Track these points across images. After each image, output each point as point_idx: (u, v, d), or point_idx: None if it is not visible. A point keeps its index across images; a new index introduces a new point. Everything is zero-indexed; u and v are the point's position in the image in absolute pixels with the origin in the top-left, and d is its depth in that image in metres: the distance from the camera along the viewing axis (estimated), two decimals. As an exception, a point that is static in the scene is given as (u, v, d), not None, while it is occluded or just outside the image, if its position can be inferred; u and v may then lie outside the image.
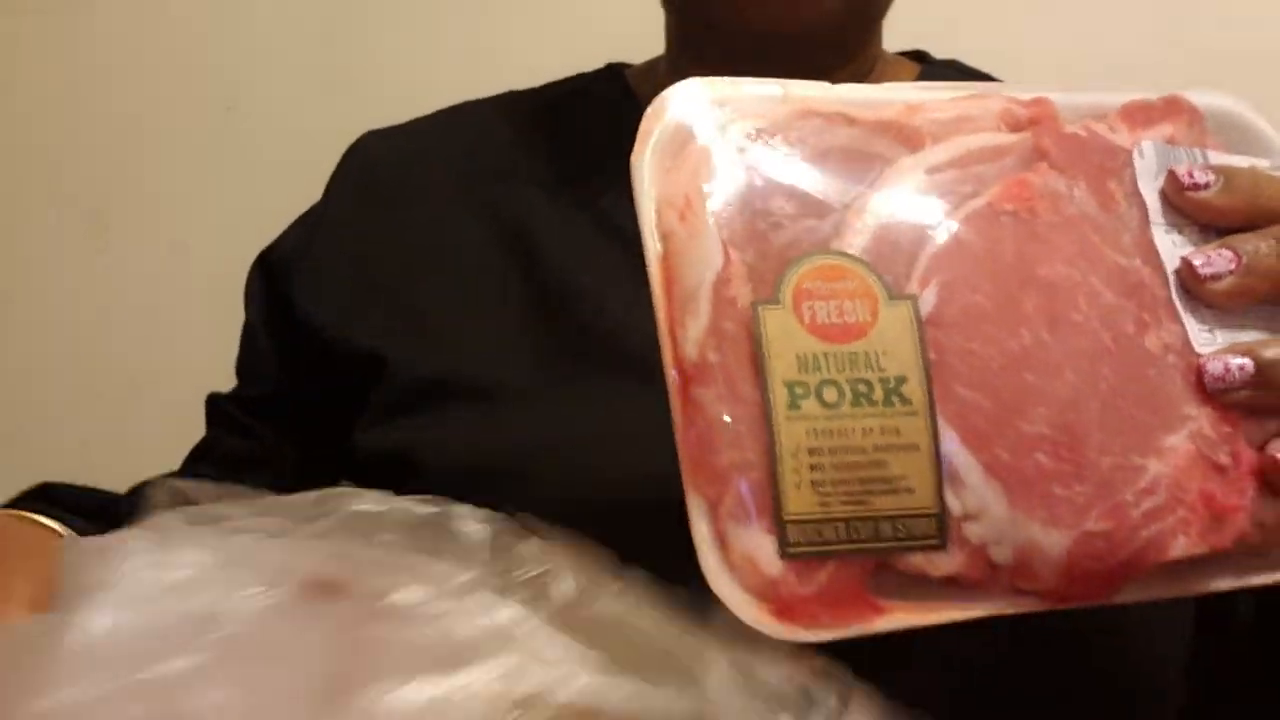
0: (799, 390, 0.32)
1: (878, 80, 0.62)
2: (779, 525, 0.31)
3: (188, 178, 0.99)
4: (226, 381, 0.62)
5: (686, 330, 0.33)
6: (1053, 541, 0.32)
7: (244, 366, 0.61)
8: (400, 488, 0.52)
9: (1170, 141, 0.39)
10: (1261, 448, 0.34)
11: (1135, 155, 0.38)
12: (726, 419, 0.32)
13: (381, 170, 0.59)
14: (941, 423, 0.32)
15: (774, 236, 0.34)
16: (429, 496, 0.35)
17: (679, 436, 0.32)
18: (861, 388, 0.32)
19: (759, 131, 0.36)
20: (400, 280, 0.56)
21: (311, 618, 0.30)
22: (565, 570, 0.32)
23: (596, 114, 0.59)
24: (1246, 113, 0.42)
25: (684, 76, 0.57)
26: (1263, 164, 0.40)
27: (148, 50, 0.99)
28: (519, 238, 0.54)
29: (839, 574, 0.32)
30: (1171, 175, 0.37)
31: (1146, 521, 0.33)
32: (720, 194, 0.34)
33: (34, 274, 1.01)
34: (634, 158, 0.35)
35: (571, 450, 0.49)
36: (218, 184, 0.98)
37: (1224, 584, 0.35)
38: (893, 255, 0.34)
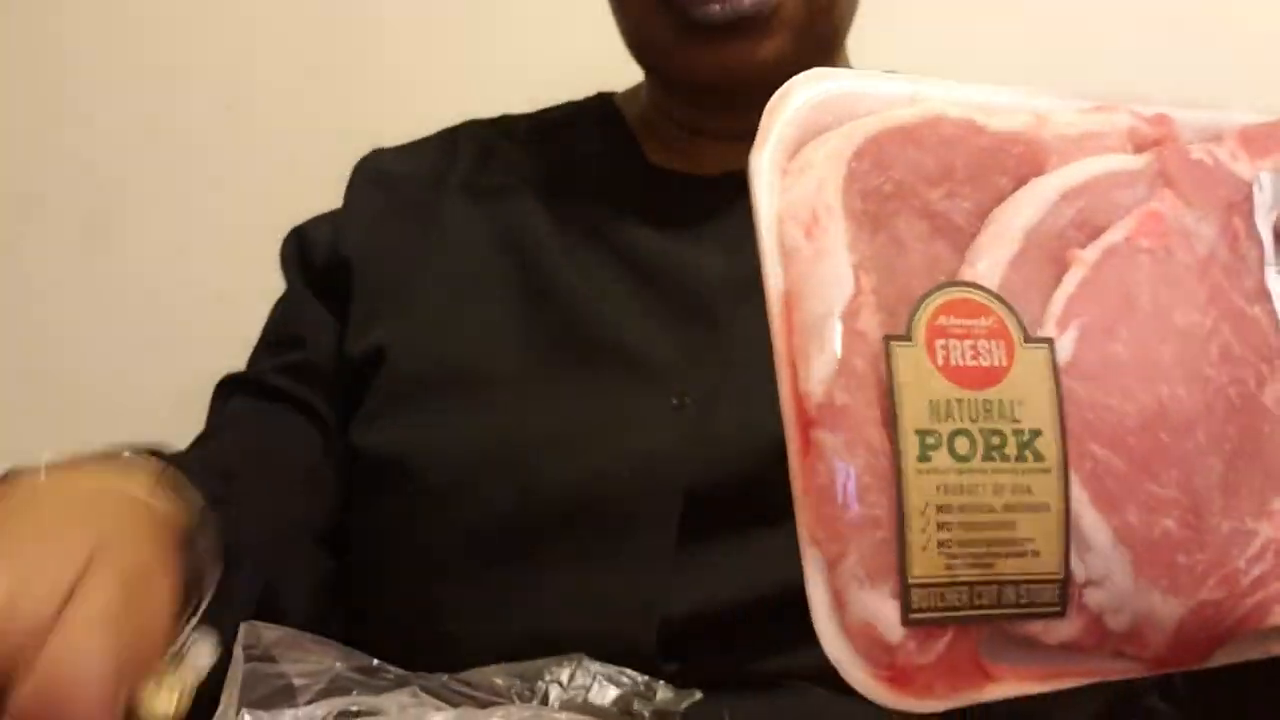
0: (930, 440, 0.29)
1: None
2: (904, 589, 0.29)
3: (187, 176, 0.97)
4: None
5: (811, 365, 0.29)
6: (1170, 611, 0.31)
7: (284, 334, 0.59)
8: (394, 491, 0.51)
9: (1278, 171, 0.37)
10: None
11: (1255, 188, 0.35)
12: (853, 469, 0.29)
13: (397, 181, 0.61)
14: (1074, 482, 0.30)
15: (901, 260, 0.31)
16: None
17: (797, 484, 0.29)
18: (995, 440, 0.30)
19: (886, 136, 0.32)
20: (409, 281, 0.57)
21: None
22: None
23: (587, 134, 0.63)
24: None
25: (661, 106, 0.61)
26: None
27: (147, 49, 0.98)
28: (520, 250, 0.57)
29: (957, 641, 0.29)
30: None
31: (1254, 589, 0.32)
32: (845, 208, 0.31)
33: (33, 273, 0.98)
34: (753, 157, 0.31)
35: (566, 439, 0.51)
36: (217, 183, 0.97)
37: None
38: (1027, 291, 0.31)
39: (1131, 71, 0.91)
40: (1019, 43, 0.94)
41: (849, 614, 0.29)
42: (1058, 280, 0.32)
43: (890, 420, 0.29)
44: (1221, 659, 0.33)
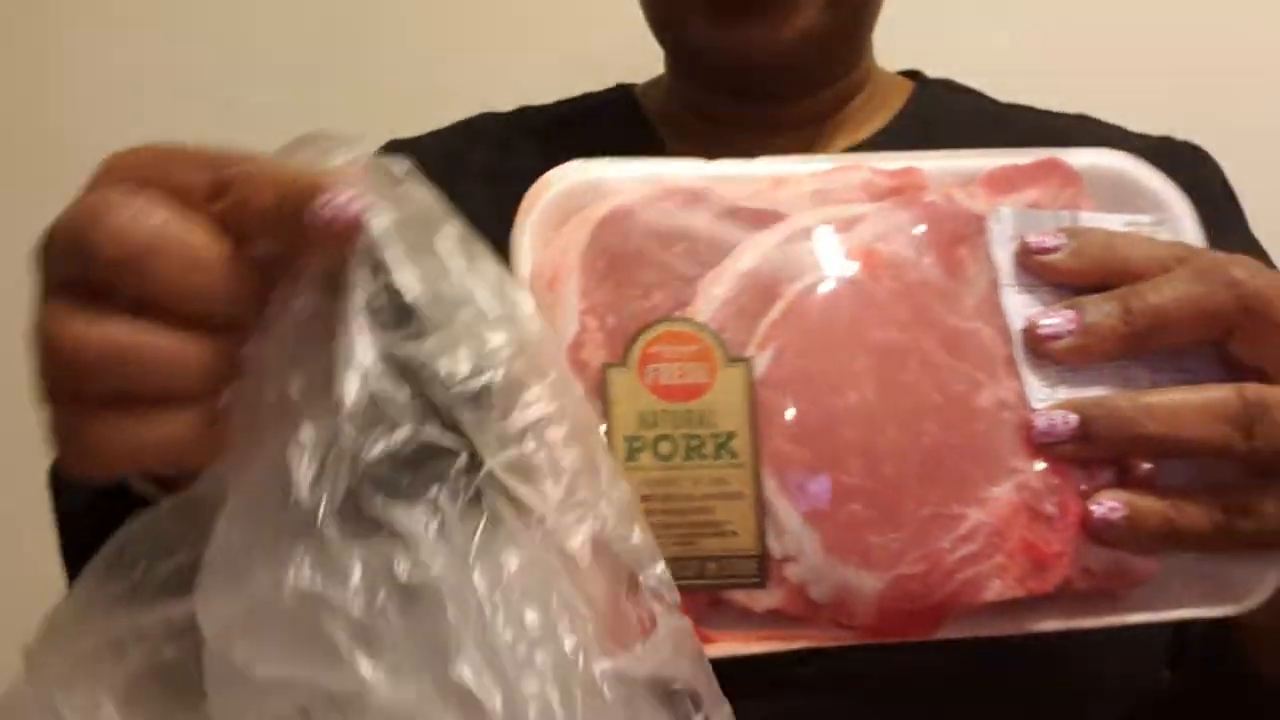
0: (636, 444, 0.36)
1: (868, 99, 0.66)
2: (611, 564, 0.35)
3: None
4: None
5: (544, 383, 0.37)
6: (868, 584, 0.36)
7: None
8: None
9: (1035, 205, 0.41)
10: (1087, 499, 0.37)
11: (991, 221, 0.40)
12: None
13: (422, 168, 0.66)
14: (765, 474, 0.36)
15: (634, 305, 0.38)
16: None
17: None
18: (694, 442, 0.36)
19: (630, 207, 0.40)
20: None
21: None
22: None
23: (607, 126, 0.64)
24: (1130, 169, 0.44)
25: (682, 95, 0.65)
26: (1143, 220, 0.43)
27: (147, 46, 0.99)
28: None
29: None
30: (1022, 240, 0.40)
31: (962, 566, 0.36)
32: (588, 266, 0.39)
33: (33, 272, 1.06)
34: (513, 232, 0.40)
35: None
36: None
37: (1052, 625, 0.37)
38: (738, 322, 0.38)
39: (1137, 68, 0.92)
40: (1037, 37, 0.95)
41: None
42: (766, 314, 0.38)
43: (606, 431, 0.36)
44: (953, 632, 0.37)
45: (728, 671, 0.31)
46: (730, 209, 0.40)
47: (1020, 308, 0.39)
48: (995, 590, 0.36)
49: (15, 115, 1.01)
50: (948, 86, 0.69)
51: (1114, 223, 0.42)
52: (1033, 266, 0.40)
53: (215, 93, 0.98)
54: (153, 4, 1.00)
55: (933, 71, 0.71)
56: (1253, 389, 0.36)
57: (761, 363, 0.37)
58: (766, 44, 0.55)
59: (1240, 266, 0.37)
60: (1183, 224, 0.42)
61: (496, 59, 0.95)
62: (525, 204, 0.40)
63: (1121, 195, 0.43)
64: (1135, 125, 0.66)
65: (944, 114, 0.66)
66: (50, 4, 1.01)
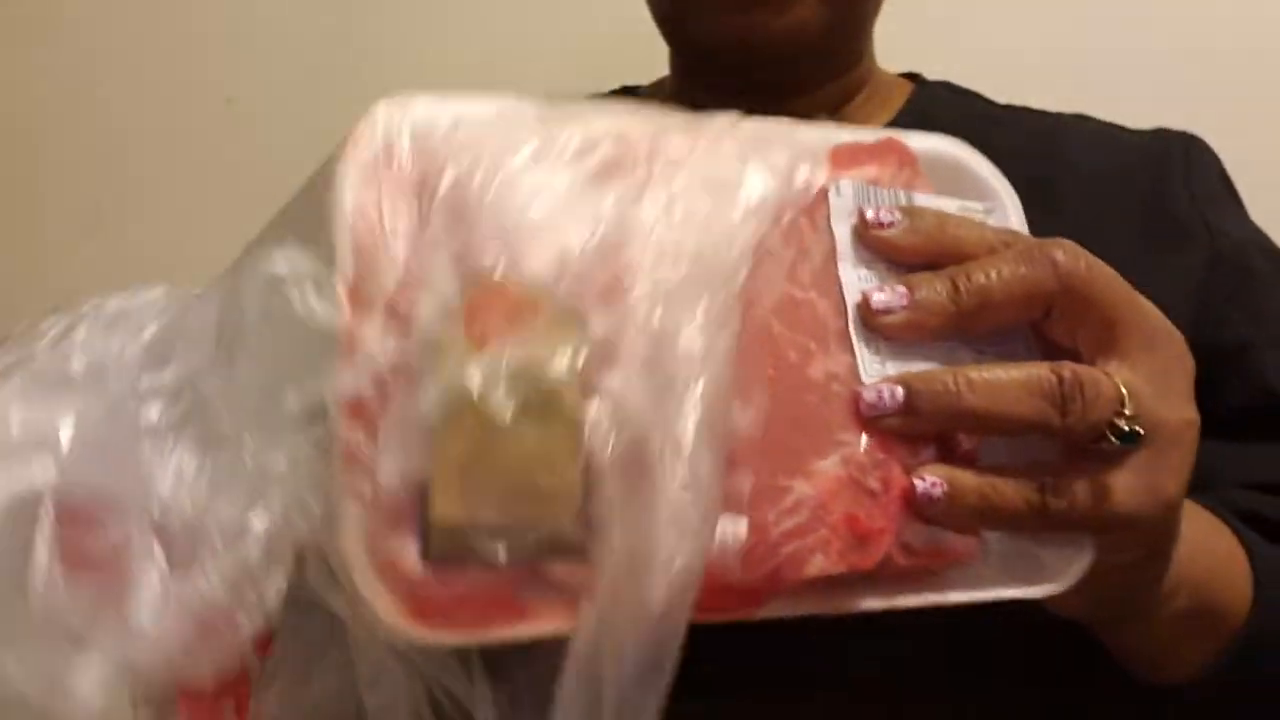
0: (459, 401, 0.34)
1: (868, 99, 0.66)
2: (425, 530, 0.33)
3: (187, 171, 0.99)
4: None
5: (364, 334, 0.34)
6: (691, 555, 0.34)
7: None
8: None
9: (874, 183, 0.41)
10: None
11: (831, 193, 0.40)
12: (390, 425, 0.34)
13: None
14: (590, 440, 0.34)
15: (466, 255, 0.36)
16: None
17: (339, 437, 0.34)
18: (521, 403, 0.34)
19: (470, 150, 0.37)
20: None
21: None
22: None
23: None
24: (965, 156, 0.44)
25: (685, 95, 0.64)
26: (975, 206, 0.43)
27: (147, 42, 1.00)
28: None
29: (483, 580, 0.33)
30: (860, 214, 0.40)
31: (786, 540, 0.35)
32: (419, 210, 0.36)
33: (32, 270, 1.01)
34: (338, 167, 0.36)
35: None
36: (217, 177, 0.98)
37: (873, 604, 0.37)
38: (574, 280, 0.36)
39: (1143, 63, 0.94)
40: (1036, 37, 0.97)
41: (378, 553, 0.33)
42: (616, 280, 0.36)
43: (428, 385, 0.34)
44: (777, 610, 0.36)
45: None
46: (579, 158, 0.38)
47: (856, 282, 0.39)
48: (818, 565, 0.36)
49: (14, 113, 0.99)
50: (947, 88, 0.70)
51: (949, 205, 0.42)
52: (869, 241, 0.39)
53: (215, 91, 0.97)
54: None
55: (932, 72, 0.71)
56: (1069, 367, 0.37)
57: (597, 325, 0.35)
58: (767, 32, 0.56)
59: (1062, 249, 0.38)
60: (1009, 213, 0.43)
61: (499, 61, 0.96)
62: (353, 138, 0.37)
63: (956, 180, 0.43)
64: (1135, 124, 0.67)
65: (943, 115, 0.66)
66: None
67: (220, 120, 0.99)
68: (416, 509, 0.33)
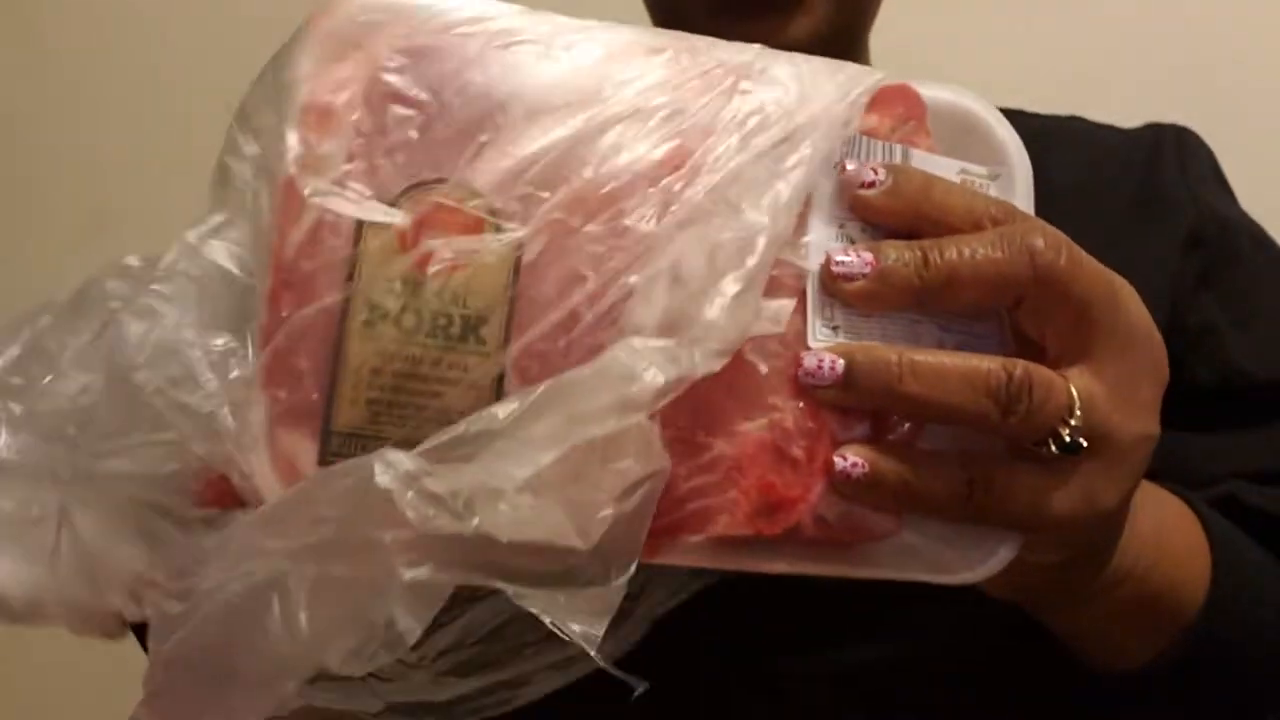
0: (379, 311, 0.33)
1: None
2: (325, 435, 0.33)
3: (188, 176, 0.99)
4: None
5: (289, 234, 0.34)
6: (592, 498, 0.34)
7: None
8: None
9: (870, 133, 0.39)
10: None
11: None
12: (306, 324, 0.33)
13: None
14: (510, 370, 0.34)
15: (409, 160, 0.35)
16: None
17: (262, 333, 0.34)
18: (442, 321, 0.34)
19: (425, 49, 0.36)
20: None
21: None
22: None
23: None
24: (981, 114, 0.41)
25: None
26: (978, 170, 0.40)
27: (148, 47, 1.00)
28: None
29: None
30: (842, 167, 0.37)
31: (693, 496, 0.35)
32: (369, 106, 0.35)
33: (34, 273, 1.01)
34: (290, 55, 0.35)
35: None
36: None
37: (778, 567, 0.37)
38: (519, 201, 0.35)
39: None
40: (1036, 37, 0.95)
41: (276, 450, 0.33)
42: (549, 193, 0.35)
43: (348, 289, 0.33)
44: (669, 559, 0.36)
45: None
46: (546, 70, 0.36)
47: (824, 239, 0.37)
48: (722, 525, 0.35)
49: (14, 113, 1.00)
50: None
51: (947, 167, 0.39)
52: (847, 197, 0.37)
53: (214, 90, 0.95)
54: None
55: (926, 76, 0.68)
56: (1021, 367, 0.35)
57: (533, 249, 0.34)
58: (778, 42, 0.53)
59: (1044, 238, 0.36)
60: (1016, 183, 0.40)
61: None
62: (308, 26, 0.36)
63: (966, 139, 0.41)
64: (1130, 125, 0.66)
65: None
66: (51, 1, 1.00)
67: (220, 123, 0.99)
68: (321, 412, 0.33)
